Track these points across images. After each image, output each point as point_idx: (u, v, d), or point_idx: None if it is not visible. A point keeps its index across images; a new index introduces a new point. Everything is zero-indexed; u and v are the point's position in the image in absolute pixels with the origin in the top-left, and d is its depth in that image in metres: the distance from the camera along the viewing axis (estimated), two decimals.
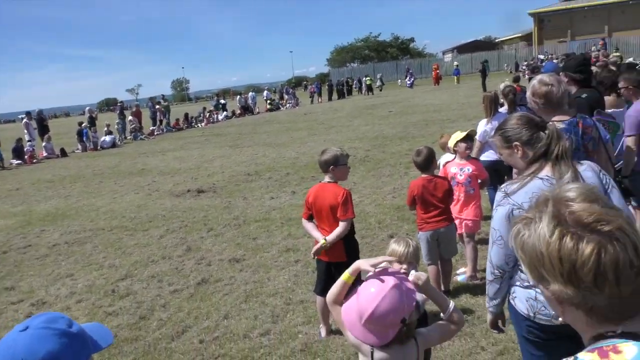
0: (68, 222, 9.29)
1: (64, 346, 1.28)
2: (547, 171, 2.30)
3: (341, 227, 3.95)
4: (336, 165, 4.01)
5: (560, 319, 1.13)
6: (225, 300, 5.27)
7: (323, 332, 4.28)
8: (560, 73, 4.70)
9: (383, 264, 2.14)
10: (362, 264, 2.19)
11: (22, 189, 13.76)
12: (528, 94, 3.29)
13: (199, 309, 5.14)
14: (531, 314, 2.34)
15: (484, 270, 4.97)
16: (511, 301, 2.45)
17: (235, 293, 5.39)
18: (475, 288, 4.80)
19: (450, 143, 5.18)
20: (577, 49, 46.10)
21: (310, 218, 4.24)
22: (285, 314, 4.79)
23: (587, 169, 2.38)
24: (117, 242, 7.71)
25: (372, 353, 2.05)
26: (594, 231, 1.01)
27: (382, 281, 2.00)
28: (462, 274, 5.08)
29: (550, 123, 2.45)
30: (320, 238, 4.04)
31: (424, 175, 4.59)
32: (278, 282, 5.53)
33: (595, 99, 4.75)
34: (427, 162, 4.55)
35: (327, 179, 4.10)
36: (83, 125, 22.90)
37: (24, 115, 24.34)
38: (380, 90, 45.44)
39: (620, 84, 4.95)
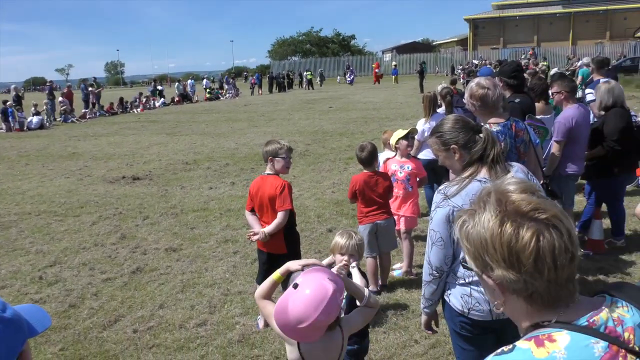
0: None
1: None
2: (484, 174, 2.37)
3: (279, 217, 3.99)
4: (274, 157, 4.04)
5: (498, 310, 1.21)
6: (161, 289, 5.18)
7: (261, 323, 4.30)
8: (496, 78, 4.94)
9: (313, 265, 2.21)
10: (291, 264, 2.26)
11: None
12: (466, 96, 3.44)
13: (132, 298, 5.03)
14: (465, 310, 2.43)
15: (419, 266, 5.18)
16: (445, 298, 2.54)
17: (172, 283, 5.31)
18: (411, 283, 4.98)
19: (392, 140, 5.31)
20: (508, 56, 48.22)
21: (253, 210, 4.25)
22: (223, 305, 4.78)
23: (519, 171, 2.50)
24: (46, 227, 7.37)
25: (298, 344, 2.11)
26: (532, 219, 1.09)
27: (319, 285, 2.01)
28: (398, 269, 5.24)
29: (485, 127, 2.53)
30: (259, 231, 4.07)
31: (365, 171, 4.70)
32: (216, 273, 5.49)
33: (528, 105, 5.02)
34: (370, 158, 4.66)
35: (267, 170, 4.13)
36: (8, 103, 21.59)
37: None
38: (320, 85, 45.67)
39: (553, 89, 5.23)
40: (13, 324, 1.24)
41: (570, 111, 5.04)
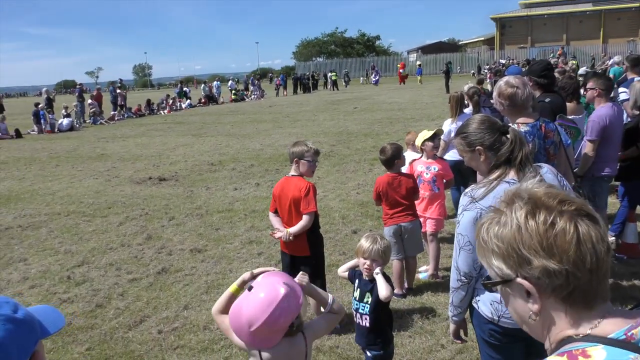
0: (22, 205, 8.96)
1: (9, 332, 1.20)
2: (512, 175, 2.30)
3: (304, 220, 3.95)
4: (300, 159, 4.01)
5: (534, 320, 1.12)
6: (186, 290, 5.20)
7: None
8: (525, 77, 4.82)
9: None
10: (245, 274, 2.23)
11: None
12: (494, 94, 3.35)
13: (158, 298, 5.06)
14: (495, 317, 2.34)
15: (446, 269, 5.10)
16: (474, 304, 2.46)
17: (197, 284, 5.33)
18: (437, 286, 4.89)
19: (418, 141, 5.24)
20: (536, 55, 47.44)
21: (276, 212, 4.23)
22: None
23: (548, 172, 2.42)
24: (74, 227, 7.49)
25: (259, 352, 2.07)
26: (562, 211, 1.04)
27: (272, 288, 1.99)
28: (424, 272, 5.16)
29: (512, 127, 2.45)
30: (283, 231, 4.05)
31: (388, 172, 4.64)
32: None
33: (558, 104, 4.89)
34: (392, 160, 4.60)
35: (292, 171, 4.10)
36: (40, 106, 22.09)
37: None
38: (346, 86, 45.60)
39: (589, 85, 5.09)
40: (25, 324, 1.24)
41: (604, 110, 4.89)
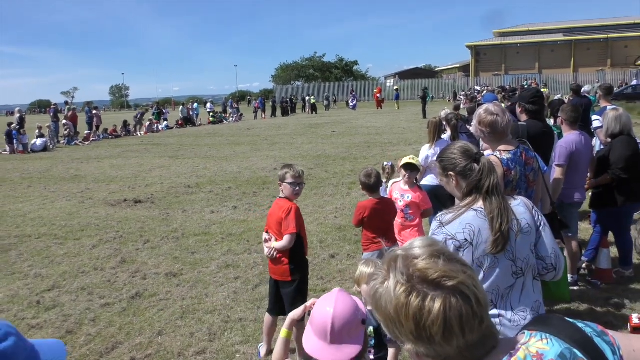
0: None
1: None
2: (481, 204, 2.34)
3: (284, 240, 3.94)
4: (282, 182, 4.03)
5: None
6: (160, 316, 5.07)
7: (263, 351, 4.20)
8: (516, 103, 4.94)
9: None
10: (294, 314, 2.22)
11: None
12: (474, 122, 3.40)
13: (131, 324, 4.93)
14: None
15: None
16: None
17: (171, 309, 5.21)
18: None
19: (400, 162, 5.21)
20: (510, 83, 48.52)
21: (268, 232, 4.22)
22: (223, 332, 4.67)
23: (521, 205, 2.43)
24: (45, 250, 7.29)
25: None
26: (438, 287, 1.06)
27: (327, 297, 1.99)
28: None
29: (483, 156, 2.48)
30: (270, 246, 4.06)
31: (371, 197, 4.63)
32: (216, 299, 5.39)
33: (536, 128, 4.97)
34: (377, 185, 4.61)
35: (280, 193, 4.11)
36: (12, 126, 21.70)
37: None
38: (327, 109, 45.89)
39: (559, 115, 5.28)
40: (5, 357, 1.18)
41: (571, 137, 5.07)
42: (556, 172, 4.96)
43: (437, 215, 2.43)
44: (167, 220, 8.68)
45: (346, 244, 6.99)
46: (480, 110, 3.30)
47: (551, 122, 7.24)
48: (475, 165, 2.38)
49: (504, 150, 3.17)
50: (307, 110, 44.71)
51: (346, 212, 8.48)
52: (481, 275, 2.27)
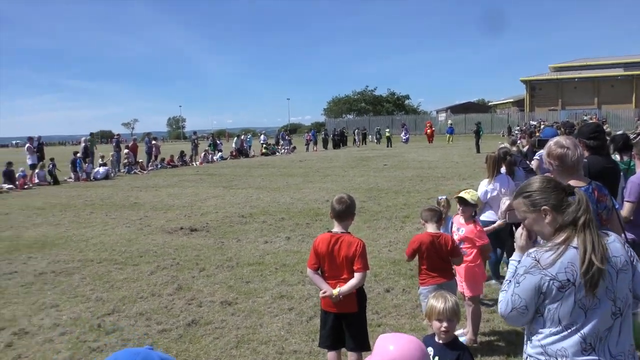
0: (56, 250, 9.08)
1: None
2: (577, 240, 2.19)
3: (357, 278, 3.82)
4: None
5: None
6: (216, 344, 5.10)
7: None
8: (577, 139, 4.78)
9: None
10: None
11: (11, 214, 13.53)
12: (544, 154, 3.30)
13: (187, 351, 4.97)
14: None
15: (483, 334, 4.91)
16: None
17: (226, 338, 5.22)
18: (474, 351, 4.69)
19: (464, 194, 5.08)
20: (567, 118, 47.26)
21: (317, 269, 4.03)
22: None
23: (616, 241, 2.28)
24: (106, 275, 7.52)
25: None
26: None
27: (393, 334, 1.95)
28: (462, 335, 4.95)
29: (577, 188, 2.37)
30: (330, 290, 3.86)
31: (430, 231, 4.54)
32: (271, 330, 5.37)
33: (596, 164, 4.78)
34: (439, 218, 4.54)
35: (335, 228, 4.02)
36: (77, 154, 22.81)
37: (18, 141, 24.29)
38: (378, 143, 45.88)
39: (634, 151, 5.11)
40: None
41: None
42: (625, 209, 4.73)
43: (531, 251, 2.27)
44: (221, 249, 8.81)
45: (401, 278, 6.87)
46: (551, 143, 3.21)
47: (617, 157, 6.96)
48: (570, 198, 2.28)
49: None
50: (357, 143, 44.95)
51: (400, 246, 8.35)
52: (583, 318, 2.14)
